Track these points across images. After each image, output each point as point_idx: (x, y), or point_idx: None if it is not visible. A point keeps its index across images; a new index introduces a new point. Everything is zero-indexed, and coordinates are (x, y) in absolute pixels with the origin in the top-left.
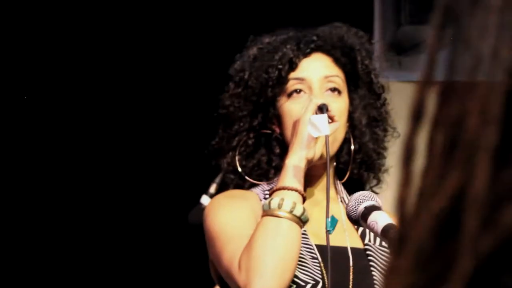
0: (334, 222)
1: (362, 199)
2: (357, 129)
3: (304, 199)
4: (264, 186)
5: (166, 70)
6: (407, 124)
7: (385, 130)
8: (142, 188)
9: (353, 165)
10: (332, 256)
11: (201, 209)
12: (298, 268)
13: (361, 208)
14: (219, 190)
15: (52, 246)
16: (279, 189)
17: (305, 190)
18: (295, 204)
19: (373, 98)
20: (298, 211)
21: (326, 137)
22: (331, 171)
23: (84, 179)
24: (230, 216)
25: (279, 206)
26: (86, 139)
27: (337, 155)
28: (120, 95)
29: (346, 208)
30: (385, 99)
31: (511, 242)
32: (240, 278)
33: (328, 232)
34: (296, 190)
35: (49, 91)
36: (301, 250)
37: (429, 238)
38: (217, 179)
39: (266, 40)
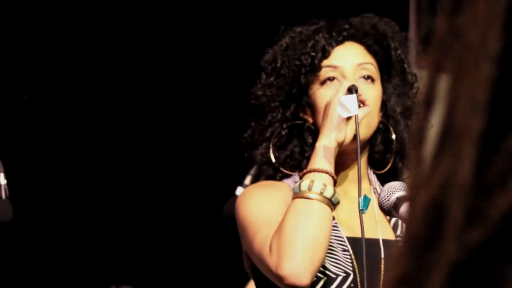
0: (367, 201)
1: (394, 189)
2: (392, 118)
3: (335, 182)
4: (296, 177)
5: (199, 65)
6: (418, 108)
7: None
8: (177, 183)
9: (389, 155)
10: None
11: None
12: (329, 260)
13: (393, 198)
14: (254, 182)
15: (87, 245)
16: (309, 171)
17: (335, 180)
18: (325, 186)
19: (407, 87)
20: (328, 193)
21: (356, 116)
22: (364, 159)
23: (118, 175)
24: (261, 204)
25: (309, 188)
26: (120, 137)
27: (371, 145)
28: (159, 90)
29: (378, 199)
30: (418, 88)
31: (502, 233)
32: (271, 260)
33: (361, 212)
34: (327, 172)
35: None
36: (332, 242)
37: (421, 226)
38: (252, 171)
39: (298, 29)
